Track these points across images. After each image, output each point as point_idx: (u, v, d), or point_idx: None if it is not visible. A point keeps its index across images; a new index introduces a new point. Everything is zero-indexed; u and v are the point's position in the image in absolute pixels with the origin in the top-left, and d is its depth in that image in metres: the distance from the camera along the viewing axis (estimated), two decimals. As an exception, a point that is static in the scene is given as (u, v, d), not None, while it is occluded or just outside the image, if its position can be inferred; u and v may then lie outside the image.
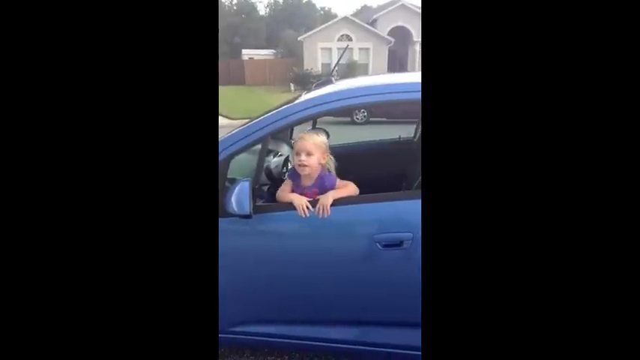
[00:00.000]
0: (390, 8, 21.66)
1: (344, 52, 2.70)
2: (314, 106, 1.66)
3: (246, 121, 1.83)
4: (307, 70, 19.54)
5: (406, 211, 1.60)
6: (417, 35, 21.40)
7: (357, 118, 10.67)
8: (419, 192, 1.66)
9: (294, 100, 1.85)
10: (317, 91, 1.90)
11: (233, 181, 1.58)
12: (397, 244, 1.55)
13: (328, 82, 2.01)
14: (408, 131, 2.95)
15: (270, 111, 1.79)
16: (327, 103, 1.66)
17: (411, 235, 1.54)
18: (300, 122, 1.67)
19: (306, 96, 1.89)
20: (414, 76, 1.82)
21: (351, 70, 18.57)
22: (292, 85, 18.42)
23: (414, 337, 1.67)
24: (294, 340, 1.79)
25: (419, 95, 1.73)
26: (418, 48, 21.36)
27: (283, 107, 1.73)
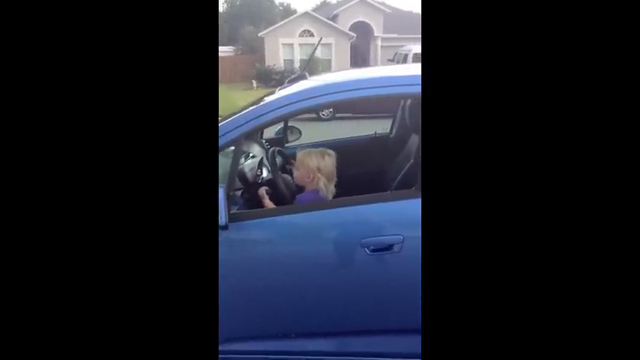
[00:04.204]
0: (350, 3, 21.72)
1: (317, 46, 2.60)
2: (293, 103, 1.55)
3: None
4: (269, 66, 19.30)
5: (394, 213, 1.52)
6: (377, 30, 21.58)
7: (323, 114, 10.60)
8: (405, 192, 1.59)
9: (263, 99, 1.73)
10: (291, 87, 1.79)
11: None
12: (387, 248, 1.47)
13: (302, 77, 1.90)
14: (381, 127, 2.89)
15: (243, 109, 1.65)
16: (311, 98, 1.56)
17: (402, 237, 1.46)
18: (277, 121, 1.56)
19: (280, 93, 1.77)
20: (386, 71, 1.75)
21: (314, 65, 18.53)
22: (255, 82, 18.14)
23: (409, 344, 1.60)
24: (281, 356, 1.67)
25: (397, 90, 1.67)
26: (380, 43, 21.57)
27: (256, 106, 1.61)
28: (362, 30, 21.63)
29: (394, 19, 22.13)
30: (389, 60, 17.63)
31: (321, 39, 3.02)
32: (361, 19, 21.64)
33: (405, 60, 15.38)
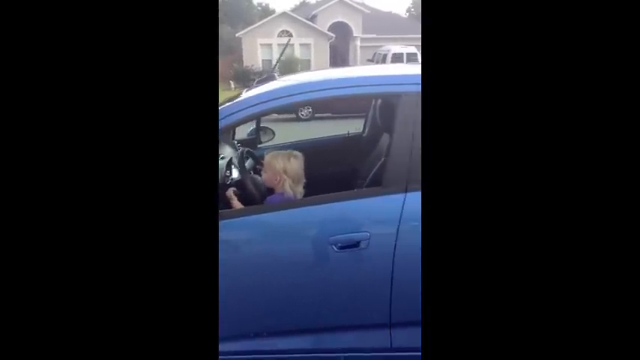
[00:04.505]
0: (329, 4, 21.77)
1: (285, 47, 2.61)
2: (259, 103, 1.55)
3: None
4: (247, 67, 19.18)
5: (361, 210, 1.54)
6: (356, 31, 21.69)
7: (302, 115, 10.60)
8: (373, 190, 1.62)
9: (234, 99, 1.74)
10: (259, 87, 1.80)
11: None
12: (354, 245, 1.49)
13: (271, 78, 1.91)
14: (356, 126, 2.92)
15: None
16: (277, 99, 1.57)
17: (368, 234, 1.48)
18: (244, 121, 1.56)
19: (247, 93, 1.78)
20: (355, 71, 1.78)
21: (293, 66, 18.49)
22: (232, 83, 18.01)
23: (379, 338, 1.63)
24: (254, 356, 1.67)
25: (366, 90, 1.70)
26: (359, 43, 21.68)
27: (224, 106, 1.61)
28: (341, 30, 21.71)
29: (373, 19, 22.30)
30: (368, 60, 17.75)
31: (289, 40, 3.05)
32: (340, 19, 21.72)
33: (384, 60, 15.53)
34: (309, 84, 1.73)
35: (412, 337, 1.61)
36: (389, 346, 1.61)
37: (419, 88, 1.57)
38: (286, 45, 2.71)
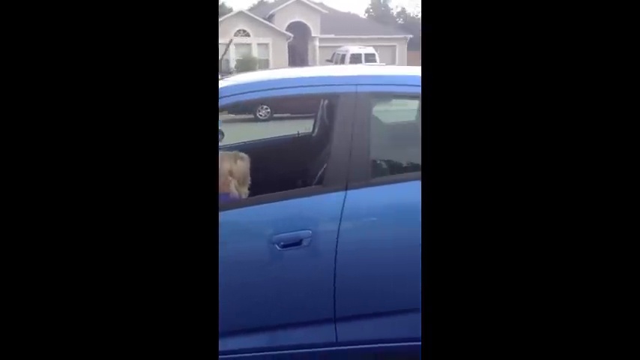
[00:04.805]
0: (286, 3, 21.71)
1: (228, 46, 2.60)
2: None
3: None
4: (205, 66, 18.79)
5: (303, 208, 1.57)
6: (315, 31, 21.77)
7: (260, 115, 10.53)
8: (314, 188, 1.65)
9: None
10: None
11: None
12: (296, 242, 1.52)
13: (227, 77, 1.91)
14: (306, 127, 2.94)
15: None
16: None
17: (310, 232, 1.51)
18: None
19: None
20: (302, 71, 1.80)
21: (251, 65, 18.29)
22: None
23: (323, 333, 1.66)
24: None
25: (305, 90, 1.73)
26: (317, 43, 21.76)
27: None
28: (299, 30, 21.72)
29: (332, 20, 22.45)
30: (327, 60, 17.85)
31: (231, 40, 3.03)
32: (298, 19, 21.72)
33: (342, 60, 15.69)
34: (249, 84, 1.74)
35: (356, 330, 1.66)
36: (334, 340, 1.65)
37: (357, 88, 1.63)
38: (228, 45, 2.70)
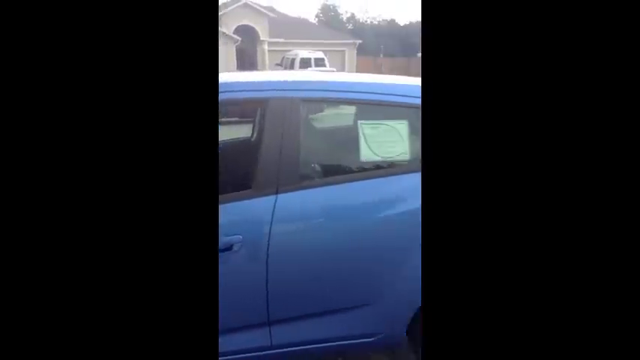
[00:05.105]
0: (233, 6, 21.47)
1: None
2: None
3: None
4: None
5: (233, 213, 1.57)
6: (263, 34, 21.68)
7: (208, 119, 10.32)
8: (244, 193, 1.65)
9: None
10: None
11: None
12: (227, 248, 1.51)
13: None
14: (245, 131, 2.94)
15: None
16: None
17: (241, 237, 1.51)
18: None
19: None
20: (240, 76, 1.80)
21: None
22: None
23: (257, 337, 1.66)
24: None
25: (237, 95, 1.73)
26: (267, 47, 21.68)
27: None
28: (247, 34, 21.54)
29: (280, 23, 22.46)
30: (277, 64, 17.83)
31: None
32: (246, 22, 21.54)
33: (292, 64, 15.73)
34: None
35: (291, 332, 1.68)
36: (269, 344, 1.65)
37: (287, 94, 1.65)
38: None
